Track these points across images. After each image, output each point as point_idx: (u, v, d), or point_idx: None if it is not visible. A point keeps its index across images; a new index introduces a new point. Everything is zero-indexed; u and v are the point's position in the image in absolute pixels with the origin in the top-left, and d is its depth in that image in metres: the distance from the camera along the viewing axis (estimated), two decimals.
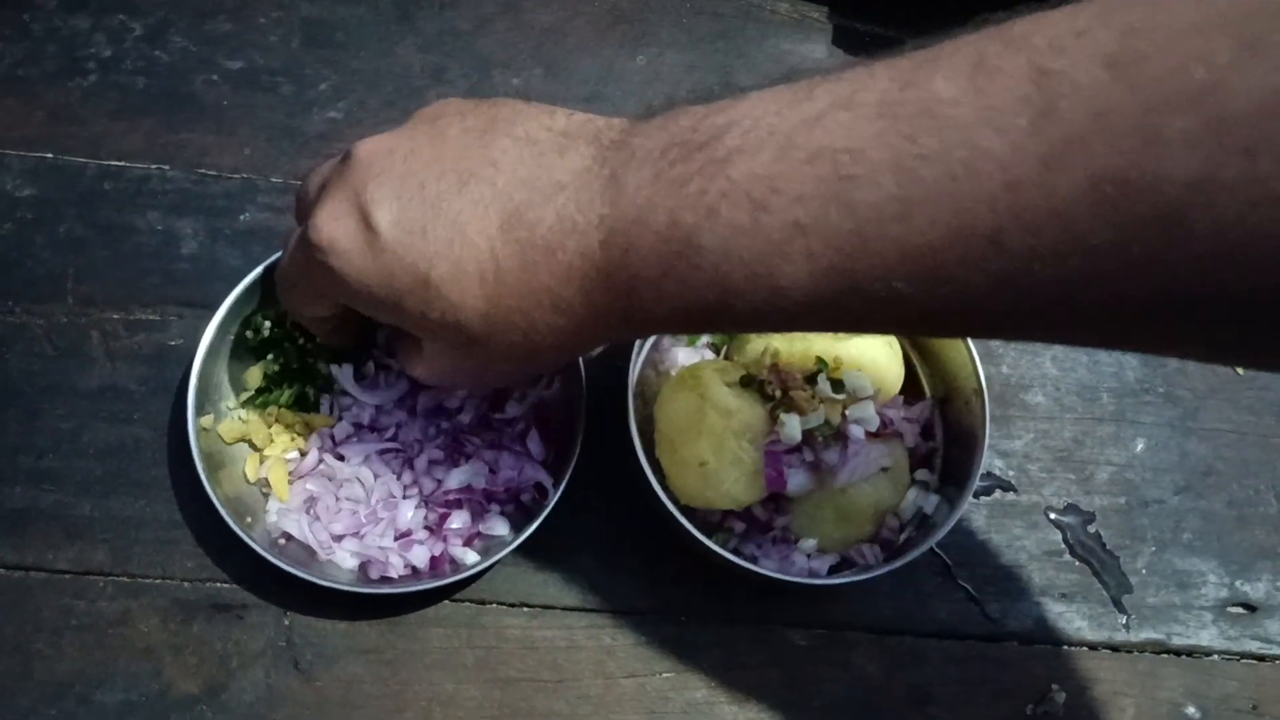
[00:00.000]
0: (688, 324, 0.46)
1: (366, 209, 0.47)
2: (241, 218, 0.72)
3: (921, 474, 0.68)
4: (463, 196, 0.46)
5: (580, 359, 0.65)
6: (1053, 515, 0.73)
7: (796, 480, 0.64)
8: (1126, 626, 0.70)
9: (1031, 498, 0.73)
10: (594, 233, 0.44)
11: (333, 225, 0.48)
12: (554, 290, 0.46)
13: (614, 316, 0.46)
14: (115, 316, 0.69)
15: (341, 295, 0.51)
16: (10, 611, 0.63)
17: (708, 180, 0.41)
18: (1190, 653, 0.70)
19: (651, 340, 0.70)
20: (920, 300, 0.40)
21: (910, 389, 0.70)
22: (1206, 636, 0.71)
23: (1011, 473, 0.73)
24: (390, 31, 0.78)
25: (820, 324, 0.43)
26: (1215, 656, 0.70)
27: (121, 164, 0.73)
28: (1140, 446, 0.75)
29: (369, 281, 0.48)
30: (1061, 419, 0.75)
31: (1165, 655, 0.70)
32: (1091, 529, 0.72)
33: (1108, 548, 0.72)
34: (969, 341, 0.66)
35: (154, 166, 0.73)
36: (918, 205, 0.37)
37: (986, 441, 0.64)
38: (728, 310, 0.43)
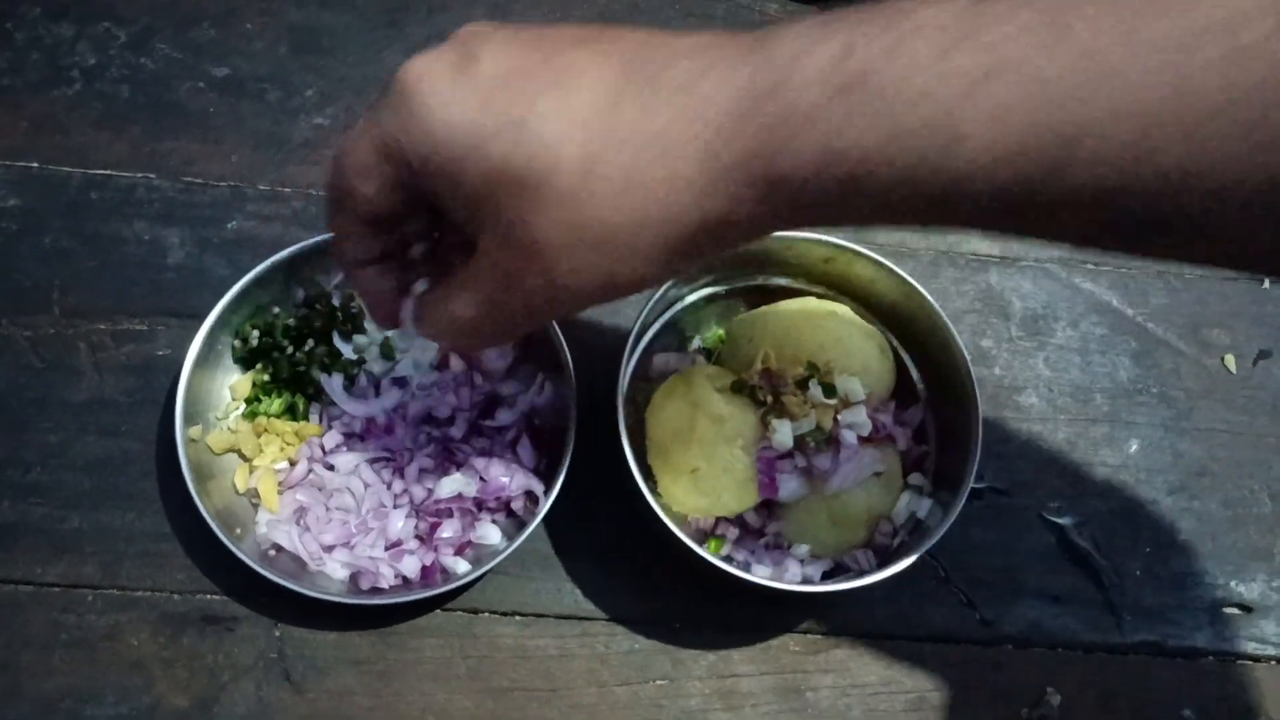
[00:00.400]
0: (832, 193, 0.38)
1: (469, 46, 0.42)
2: (229, 226, 0.72)
3: (914, 478, 0.67)
4: (578, 49, 0.41)
5: (570, 364, 0.65)
6: (1047, 517, 0.72)
7: (789, 486, 0.63)
8: (1121, 629, 0.70)
9: (1025, 500, 0.73)
10: (739, 69, 0.38)
11: (425, 61, 0.42)
12: (675, 133, 0.39)
13: (741, 176, 0.39)
14: (102, 327, 0.69)
15: (415, 141, 0.41)
16: None
17: (889, 19, 0.36)
18: (1185, 655, 0.70)
19: (642, 346, 0.69)
20: (1120, 178, 0.34)
21: (902, 391, 0.70)
22: (1202, 638, 0.70)
23: (1005, 475, 0.73)
24: (377, 37, 0.78)
25: (986, 202, 0.36)
26: (1210, 658, 0.70)
27: (107, 173, 0.72)
28: (1134, 447, 0.75)
29: (457, 115, 0.40)
30: (1055, 420, 0.75)
31: (1160, 657, 0.70)
32: (1085, 531, 0.72)
33: (1102, 550, 0.72)
34: (960, 342, 0.66)
35: (140, 175, 0.72)
36: (1140, 62, 0.33)
37: (980, 444, 0.64)
38: (887, 167, 0.36)
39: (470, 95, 0.40)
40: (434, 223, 0.50)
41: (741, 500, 0.63)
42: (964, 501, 0.62)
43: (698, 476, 0.63)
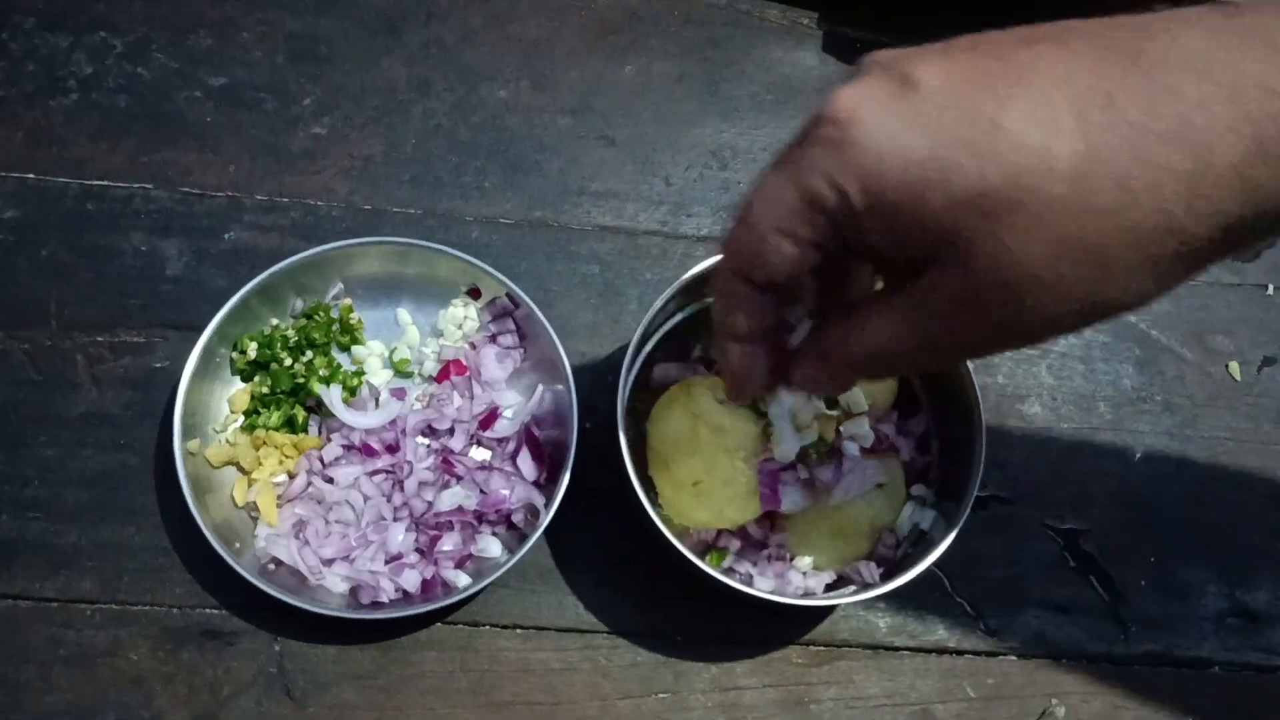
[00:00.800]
0: None
1: (903, 70, 0.37)
2: (226, 237, 0.71)
3: (918, 489, 0.67)
4: (1029, 46, 0.36)
5: (570, 375, 0.64)
6: (1050, 527, 0.72)
7: (791, 498, 0.63)
8: (1126, 639, 0.70)
9: (1029, 509, 0.72)
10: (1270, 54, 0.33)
11: (854, 93, 0.37)
12: (1198, 127, 0.33)
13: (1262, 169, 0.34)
14: (100, 340, 0.68)
15: (863, 182, 0.37)
16: None
17: None
18: (1191, 664, 0.70)
19: (643, 356, 0.69)
20: None
21: (905, 402, 0.69)
22: (1207, 648, 0.70)
23: (1009, 484, 0.73)
24: (375, 45, 0.77)
25: None
26: (1216, 668, 0.70)
27: (104, 184, 0.72)
28: (1138, 456, 0.74)
29: (911, 143, 0.36)
30: (1059, 429, 0.74)
31: (1165, 667, 0.69)
32: (1090, 540, 0.72)
33: (1107, 559, 0.71)
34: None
35: (137, 186, 0.72)
36: None
37: (983, 454, 0.63)
38: None
39: (920, 119, 0.36)
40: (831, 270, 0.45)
41: (744, 512, 0.63)
42: (968, 512, 0.62)
43: (699, 489, 0.62)
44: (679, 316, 0.70)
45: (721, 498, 0.62)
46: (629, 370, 0.65)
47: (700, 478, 0.62)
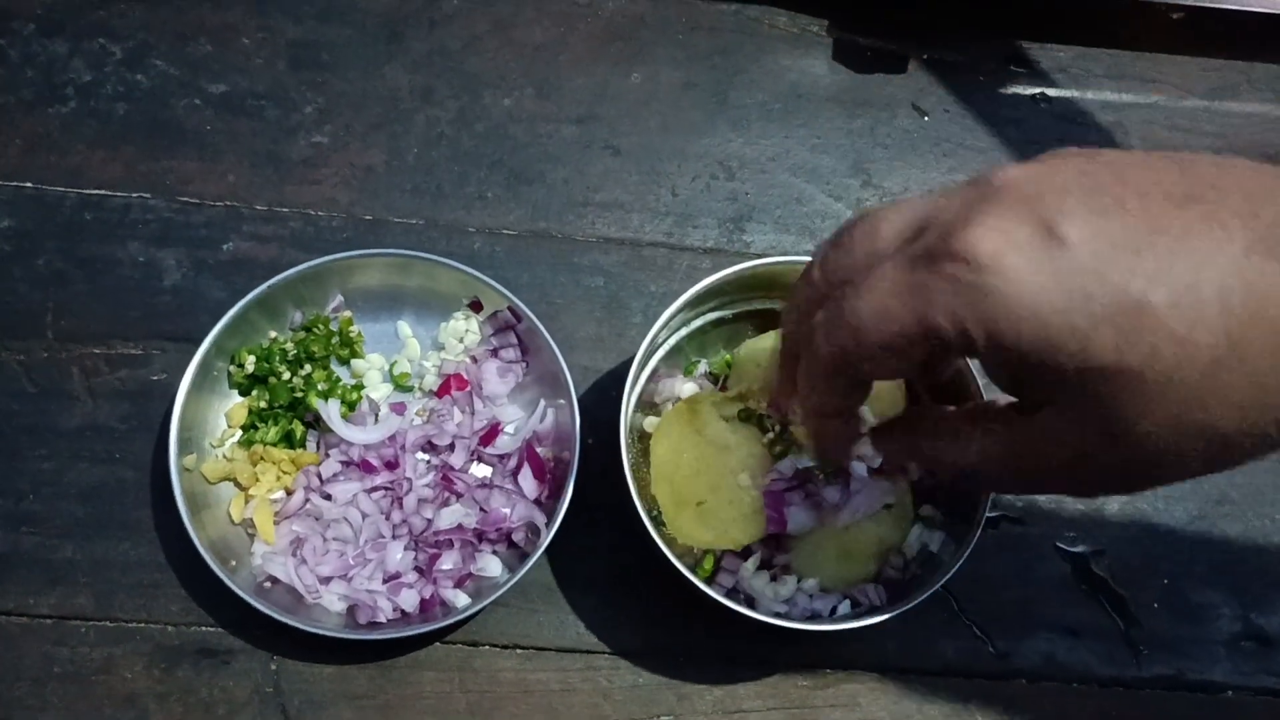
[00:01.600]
0: None
1: (1049, 220, 0.37)
2: (225, 247, 0.70)
3: (926, 509, 0.66)
4: (1185, 212, 0.36)
5: (573, 390, 0.63)
6: (1062, 547, 0.71)
7: (797, 519, 0.62)
8: (1138, 662, 0.68)
9: (1040, 529, 0.71)
10: None
11: (995, 237, 0.37)
12: None
13: None
14: (96, 352, 0.68)
15: (993, 328, 0.37)
16: None
17: None
18: (1204, 689, 0.68)
19: (648, 371, 0.68)
20: None
21: None
22: (1220, 672, 0.69)
23: (1019, 504, 0.71)
24: (378, 52, 0.76)
25: None
26: (1229, 692, 0.68)
27: (102, 193, 0.71)
28: None
29: (1051, 303, 0.36)
30: None
31: (1178, 691, 0.68)
32: (1102, 561, 0.70)
33: (1119, 580, 0.70)
34: (971, 366, 0.64)
35: (135, 195, 0.71)
36: None
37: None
38: None
39: (1063, 279, 0.36)
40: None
41: (748, 533, 0.62)
42: (978, 535, 0.61)
43: (704, 509, 0.61)
44: (684, 331, 0.69)
45: (725, 518, 0.61)
46: (632, 386, 0.63)
47: (704, 497, 0.61)
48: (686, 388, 0.68)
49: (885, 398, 0.65)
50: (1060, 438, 0.39)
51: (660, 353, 0.68)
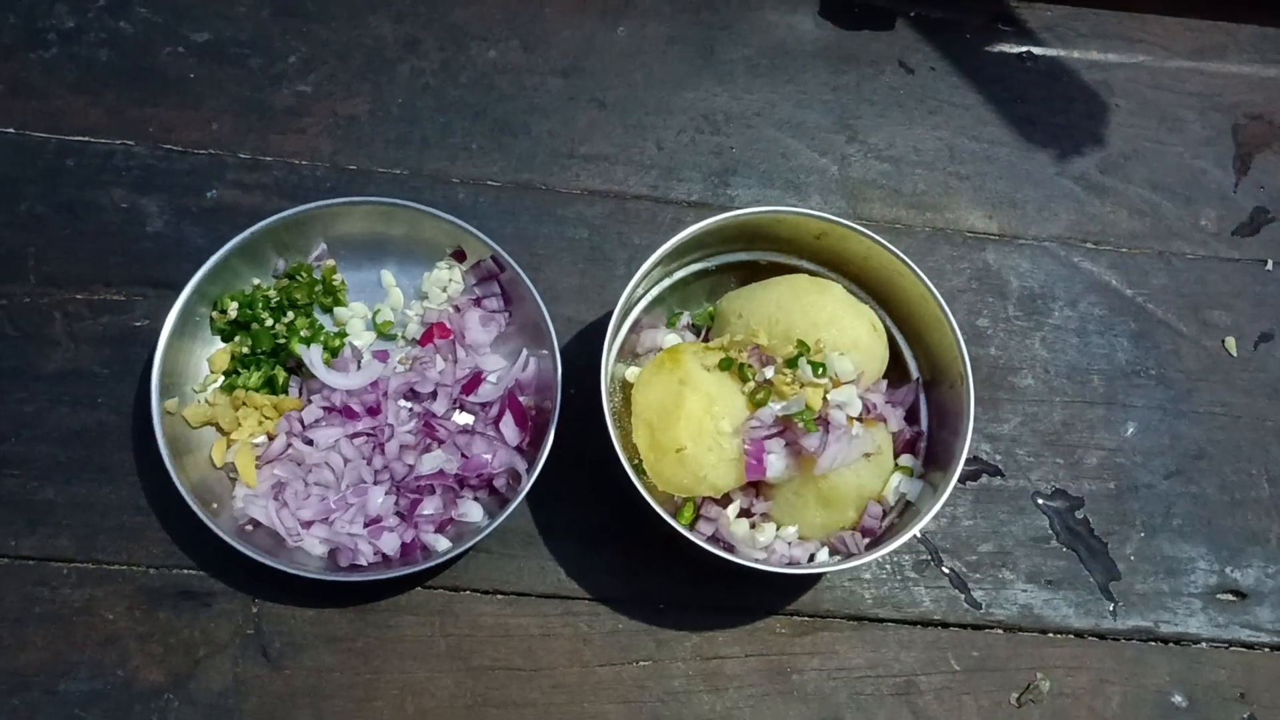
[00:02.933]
0: None
1: None
2: (208, 195, 0.70)
3: (906, 460, 0.66)
4: None
5: (555, 340, 0.63)
6: (1040, 500, 0.71)
7: (776, 466, 0.62)
8: (1114, 614, 0.69)
9: (1019, 482, 0.71)
10: None
11: None
12: None
13: None
14: (78, 297, 0.67)
15: None
16: None
17: None
18: (1178, 640, 0.69)
19: (629, 321, 0.68)
20: None
21: (895, 372, 0.68)
22: (1195, 624, 0.69)
23: (999, 457, 0.72)
24: (362, 1, 0.76)
25: None
26: (1204, 644, 0.69)
27: (84, 139, 0.70)
28: (1131, 430, 0.73)
29: None
30: (1051, 402, 0.73)
31: (1153, 643, 0.69)
32: (1080, 514, 0.71)
33: (1096, 534, 0.71)
34: (953, 321, 0.64)
35: (118, 142, 0.71)
36: None
37: (971, 425, 0.62)
38: None
39: None
40: None
41: (728, 479, 0.62)
42: (954, 483, 0.61)
43: (684, 455, 0.61)
44: (667, 282, 0.69)
45: (705, 464, 0.61)
46: (614, 336, 0.64)
47: (684, 444, 0.61)
48: (669, 339, 0.68)
49: (865, 348, 0.65)
50: None
51: (642, 304, 0.69)
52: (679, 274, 0.69)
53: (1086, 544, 0.70)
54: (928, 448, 0.67)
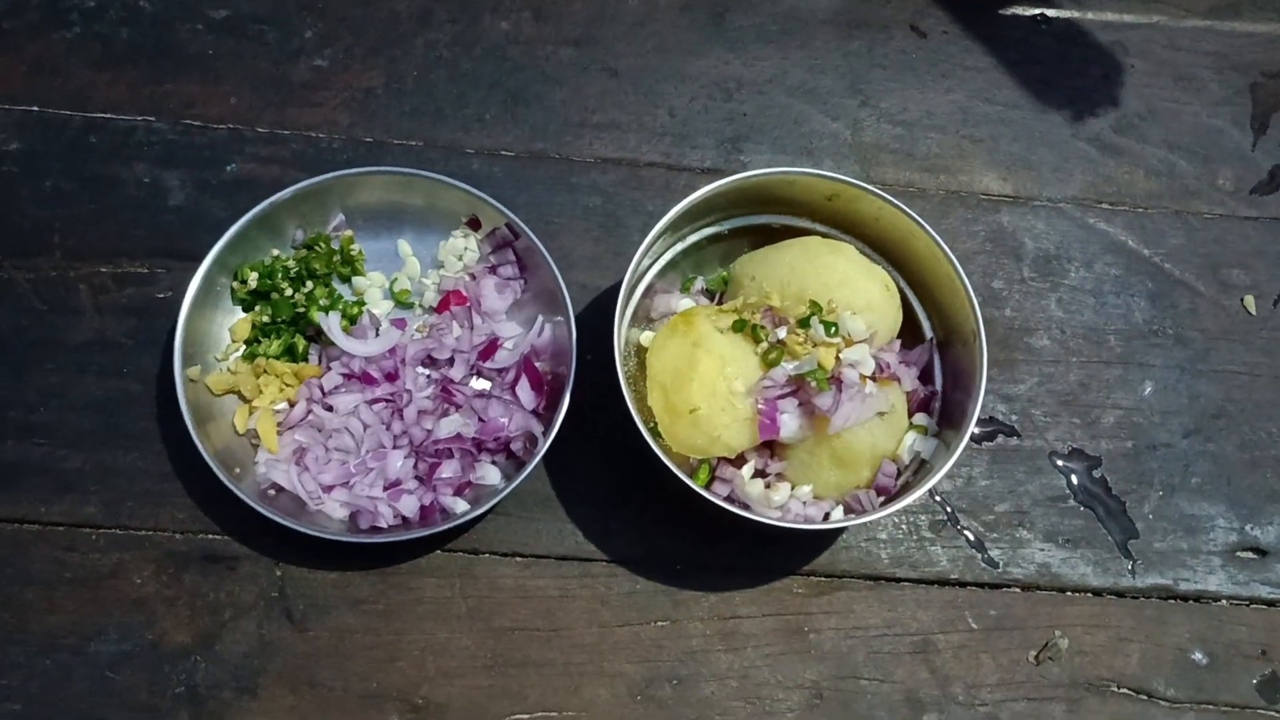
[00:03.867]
0: None
1: None
2: (228, 168, 0.71)
3: (920, 419, 0.66)
4: None
5: (570, 306, 0.64)
6: (1057, 460, 0.71)
7: (790, 426, 0.62)
8: (1133, 572, 0.69)
9: (1035, 442, 0.71)
10: None
11: None
12: None
13: None
14: (103, 270, 0.69)
15: None
16: (2, 565, 0.63)
17: None
18: (1198, 598, 0.69)
19: (643, 286, 0.68)
20: None
21: (910, 334, 0.68)
22: (1214, 582, 0.69)
23: (1015, 417, 0.72)
24: None
25: None
26: (1224, 602, 0.69)
27: (106, 116, 0.72)
28: (1148, 389, 0.73)
29: None
30: (1067, 362, 0.73)
31: (1172, 601, 0.69)
32: (1097, 474, 0.71)
33: (1114, 493, 0.70)
34: (965, 278, 0.64)
35: (139, 118, 0.72)
36: None
37: (984, 383, 0.62)
38: None
39: None
40: None
41: (741, 439, 0.62)
42: (967, 438, 0.61)
43: (698, 416, 0.62)
44: (679, 247, 0.69)
45: (719, 424, 0.62)
46: (627, 299, 0.64)
47: (698, 405, 0.62)
48: (683, 303, 0.69)
49: (878, 309, 0.65)
50: None
51: (656, 268, 0.69)
52: (691, 238, 0.70)
53: (1104, 503, 0.70)
54: (942, 407, 0.67)
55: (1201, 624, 0.68)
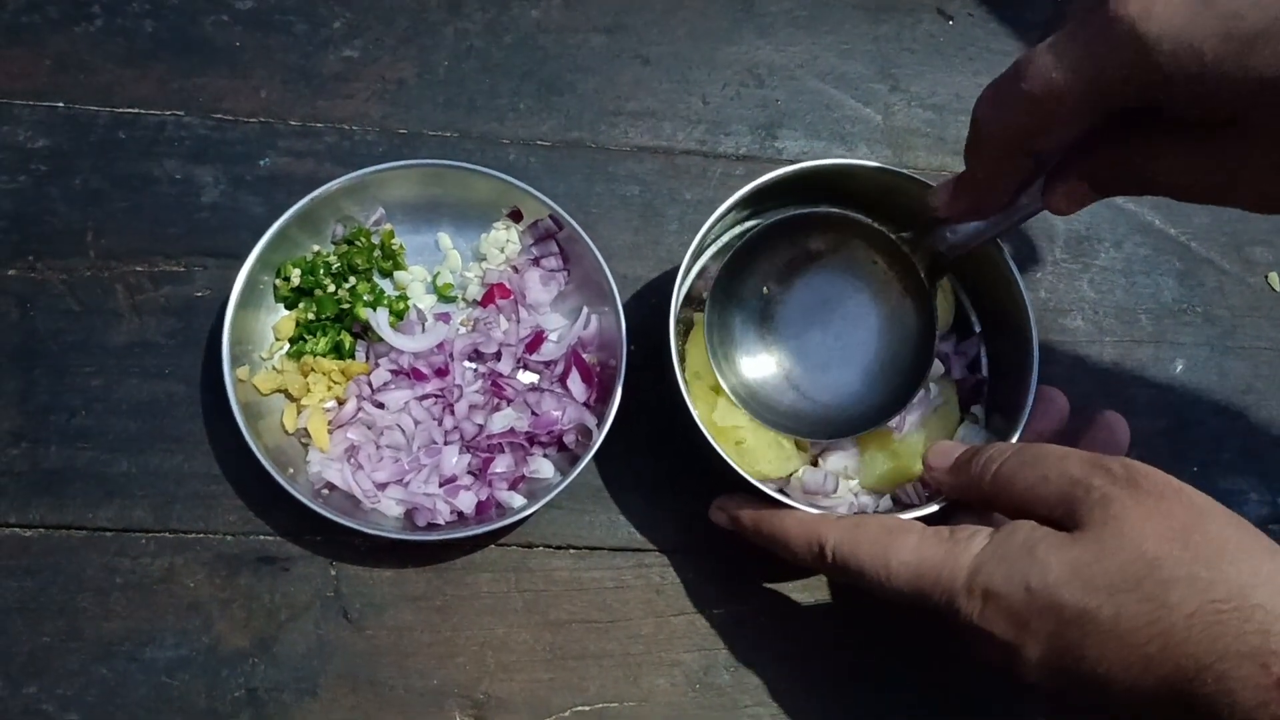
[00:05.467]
0: None
1: None
2: (262, 163, 0.70)
3: (975, 409, 0.67)
4: None
5: (618, 297, 0.64)
6: None
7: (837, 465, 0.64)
8: None
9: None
10: None
11: None
12: None
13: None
14: (139, 269, 0.68)
15: (1134, 74, 0.44)
16: (54, 572, 0.62)
17: None
18: None
19: (693, 274, 0.68)
20: None
21: (959, 324, 0.69)
22: None
23: None
24: None
25: None
26: None
27: (135, 112, 0.70)
28: (1179, 367, 0.74)
29: (1192, 40, 0.42)
30: (1100, 342, 0.74)
31: None
32: (1132, 452, 0.72)
33: None
34: (1013, 267, 0.64)
35: (169, 113, 0.70)
36: None
37: (1036, 374, 0.63)
38: None
39: (1209, 18, 0.43)
40: None
41: (784, 470, 0.63)
42: (1019, 433, 0.62)
43: (742, 448, 0.63)
44: (725, 238, 0.69)
45: (763, 460, 0.63)
46: (679, 291, 0.63)
47: (744, 439, 0.62)
48: None
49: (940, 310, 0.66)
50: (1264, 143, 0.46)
51: (704, 258, 0.69)
52: (737, 229, 0.69)
53: None
54: (989, 394, 0.67)
55: None
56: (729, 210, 0.63)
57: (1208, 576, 0.45)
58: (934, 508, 0.61)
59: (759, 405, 0.63)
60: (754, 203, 0.68)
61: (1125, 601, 0.46)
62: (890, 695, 0.66)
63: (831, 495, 0.64)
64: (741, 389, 0.64)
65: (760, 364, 0.65)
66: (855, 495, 0.65)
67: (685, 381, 0.60)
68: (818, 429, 0.63)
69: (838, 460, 0.64)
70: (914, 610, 0.54)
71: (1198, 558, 0.45)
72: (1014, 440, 0.61)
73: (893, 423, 0.63)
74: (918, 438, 0.64)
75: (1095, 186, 0.53)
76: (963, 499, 0.58)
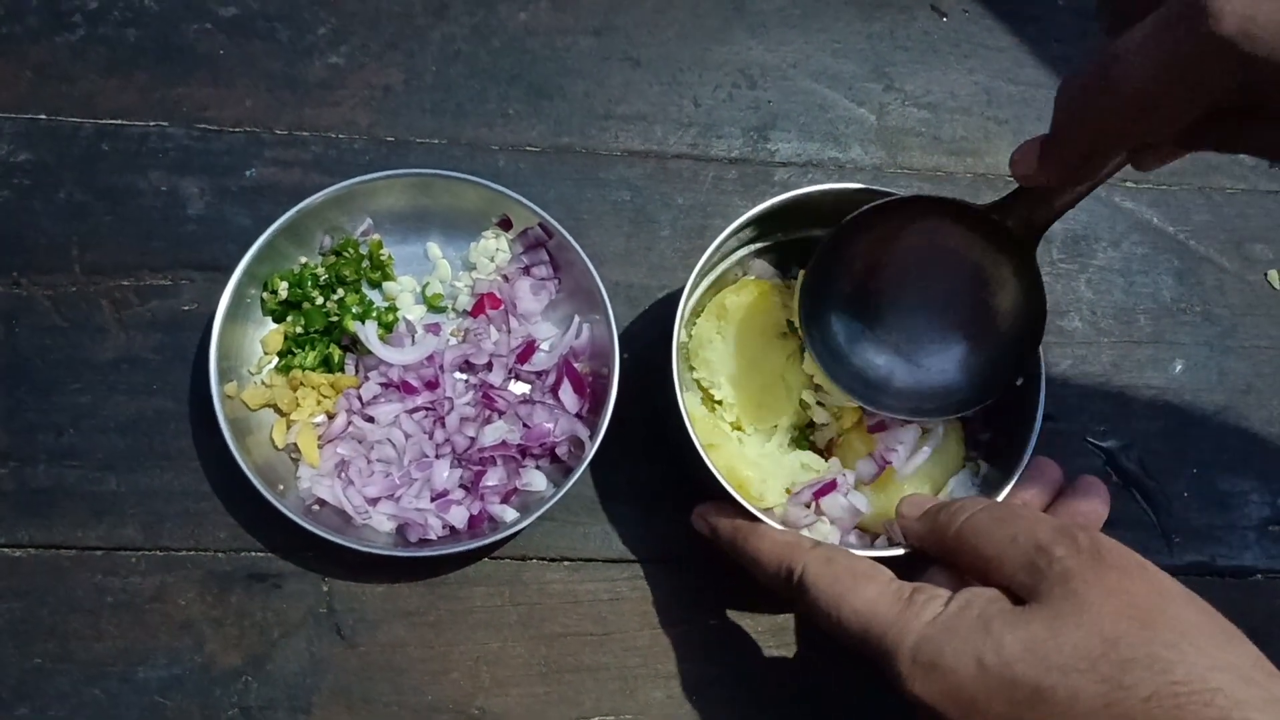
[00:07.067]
0: None
1: None
2: (247, 174, 0.69)
3: (973, 455, 0.65)
4: None
5: (609, 305, 0.63)
6: (1092, 441, 0.72)
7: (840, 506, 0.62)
8: (1170, 550, 0.70)
9: (1070, 425, 0.72)
10: None
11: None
12: None
13: None
14: (125, 284, 0.67)
15: (1235, 87, 0.42)
16: (44, 593, 0.62)
17: None
18: (1234, 573, 0.70)
19: (698, 293, 0.66)
20: None
21: None
22: (1250, 556, 0.70)
23: (1050, 400, 0.71)
24: None
25: None
26: (1259, 576, 0.70)
27: (118, 123, 0.69)
28: (1179, 367, 0.74)
29: None
30: (1099, 343, 0.74)
31: (1210, 577, 0.70)
32: (1132, 453, 0.72)
33: (1149, 471, 0.71)
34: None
35: (152, 124, 0.69)
36: None
37: (1039, 423, 0.61)
38: None
39: None
40: None
41: (781, 500, 0.63)
42: (1009, 489, 0.60)
43: (744, 481, 0.62)
44: (726, 263, 0.66)
45: (767, 493, 0.62)
46: (684, 307, 0.61)
47: (747, 479, 0.62)
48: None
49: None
50: None
51: (706, 282, 0.66)
52: (740, 253, 0.66)
53: (1139, 482, 0.71)
54: (987, 447, 0.65)
55: (1240, 597, 0.69)
56: (734, 232, 0.61)
57: (1167, 657, 0.43)
58: (899, 551, 0.58)
59: (871, 392, 0.62)
60: (753, 225, 0.66)
61: (1081, 682, 0.44)
62: (902, 704, 0.65)
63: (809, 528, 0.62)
64: (856, 384, 0.62)
65: (869, 352, 0.63)
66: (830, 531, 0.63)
67: (683, 394, 0.59)
68: (930, 407, 0.62)
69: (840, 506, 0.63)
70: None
71: (1156, 638, 0.44)
72: (1008, 490, 0.60)
73: (895, 461, 0.62)
74: (917, 479, 0.63)
75: (1182, 143, 0.51)
76: (928, 550, 0.56)
